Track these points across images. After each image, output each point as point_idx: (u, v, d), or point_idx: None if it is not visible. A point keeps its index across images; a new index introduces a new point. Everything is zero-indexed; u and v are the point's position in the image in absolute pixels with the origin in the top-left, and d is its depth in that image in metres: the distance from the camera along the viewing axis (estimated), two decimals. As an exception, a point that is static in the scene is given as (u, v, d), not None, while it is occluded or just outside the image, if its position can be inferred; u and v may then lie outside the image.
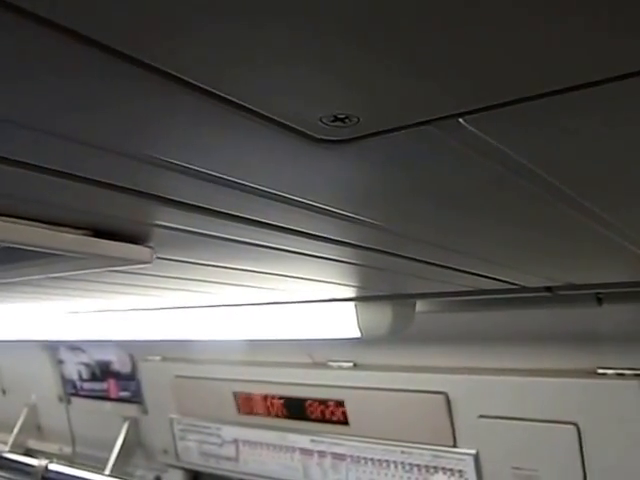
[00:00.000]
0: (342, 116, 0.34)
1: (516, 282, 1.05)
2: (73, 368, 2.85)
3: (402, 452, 1.87)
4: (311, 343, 1.94)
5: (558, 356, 1.56)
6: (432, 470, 1.82)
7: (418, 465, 1.85)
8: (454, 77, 0.31)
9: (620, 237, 0.70)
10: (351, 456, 1.99)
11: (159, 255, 0.74)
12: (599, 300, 1.15)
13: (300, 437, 2.09)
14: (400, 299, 1.27)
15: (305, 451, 2.11)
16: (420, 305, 1.37)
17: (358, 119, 0.34)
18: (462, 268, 0.93)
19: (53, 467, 2.54)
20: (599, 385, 1.48)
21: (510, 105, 0.33)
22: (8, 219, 0.55)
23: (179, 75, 0.30)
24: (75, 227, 0.61)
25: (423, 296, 1.24)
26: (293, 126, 0.36)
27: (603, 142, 0.40)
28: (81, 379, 2.84)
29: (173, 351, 2.37)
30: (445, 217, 0.62)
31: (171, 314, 1.67)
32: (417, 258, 0.85)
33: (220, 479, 2.41)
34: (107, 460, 2.57)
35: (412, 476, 1.86)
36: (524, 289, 1.08)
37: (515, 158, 0.42)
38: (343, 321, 1.33)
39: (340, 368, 1.96)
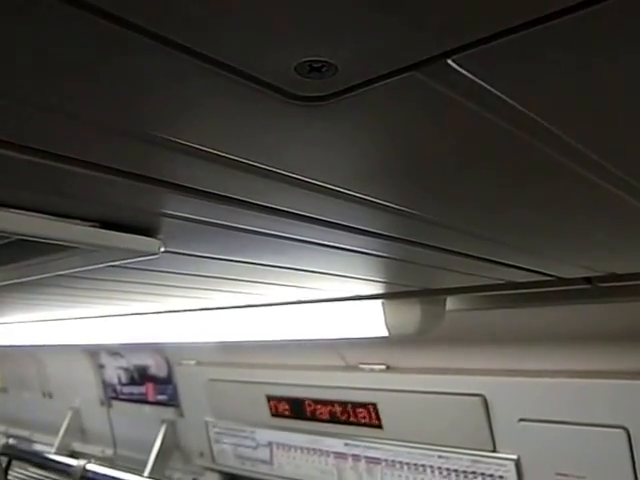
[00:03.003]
0: (318, 65, 0.31)
1: (551, 273, 0.98)
2: (113, 372, 2.93)
3: (439, 457, 1.81)
4: (343, 346, 1.91)
5: (604, 356, 1.47)
6: (471, 475, 1.75)
7: (456, 470, 1.78)
8: (438, 10, 0.27)
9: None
10: (386, 460, 1.94)
11: (171, 249, 0.74)
12: (649, 293, 1.06)
13: (334, 440, 2.06)
14: (429, 295, 1.23)
15: (339, 455, 2.07)
16: (451, 303, 1.32)
17: (336, 68, 0.31)
18: (493, 258, 0.88)
19: (91, 467, 2.61)
20: (650, 386, 1.39)
21: (502, 37, 0.29)
22: (15, 211, 0.55)
23: (148, 28, 0.28)
24: (84, 219, 0.62)
25: (453, 291, 1.19)
26: (270, 81, 0.33)
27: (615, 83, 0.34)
28: (120, 383, 2.91)
29: (207, 355, 2.40)
30: (460, 190, 0.55)
31: (203, 317, 1.68)
32: (445, 248, 0.80)
33: (256, 483, 2.41)
34: (146, 462, 2.61)
35: (450, 482, 1.80)
36: (561, 281, 1.02)
37: (515, 105, 0.37)
38: (370, 320, 1.30)
39: (372, 371, 1.92)
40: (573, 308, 1.31)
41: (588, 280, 1.02)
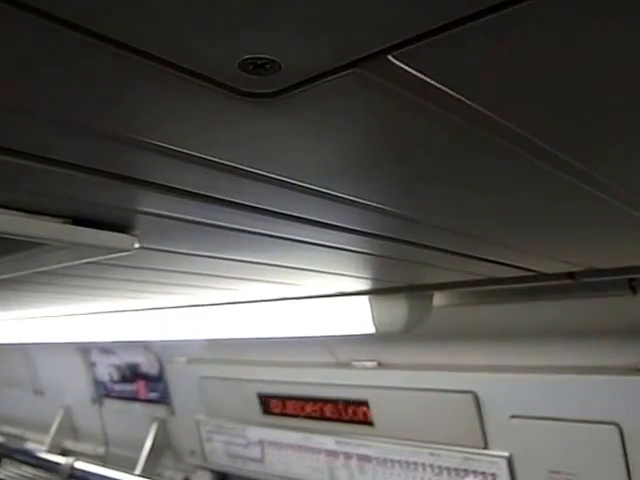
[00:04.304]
0: (261, 62, 0.32)
1: (534, 268, 0.97)
2: (104, 370, 2.91)
3: (430, 454, 1.79)
4: (334, 343, 1.90)
5: (595, 352, 1.45)
6: (462, 473, 1.74)
7: (448, 468, 1.77)
8: (376, 4, 0.27)
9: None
10: (377, 458, 1.93)
11: (146, 245, 0.72)
12: (632, 288, 1.05)
13: (325, 438, 2.05)
14: (416, 291, 1.21)
15: (331, 452, 2.06)
16: (438, 298, 1.30)
17: (279, 65, 0.32)
18: (476, 255, 0.87)
19: (79, 465, 2.59)
20: (642, 382, 1.37)
21: (440, 32, 0.30)
22: None
23: (98, 31, 0.29)
24: (55, 215, 0.60)
25: (439, 287, 1.17)
26: (215, 78, 0.34)
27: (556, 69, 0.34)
28: (112, 381, 2.89)
29: (199, 352, 2.38)
30: (427, 188, 0.56)
31: (193, 314, 1.66)
32: (428, 245, 0.80)
33: (247, 481, 2.40)
34: (138, 460, 2.60)
35: (442, 479, 1.78)
36: (544, 276, 1.00)
37: (460, 98, 0.37)
38: (358, 317, 1.27)
39: (364, 368, 1.90)
40: (562, 304, 1.29)
41: (571, 275, 1.00)
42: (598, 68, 0.34)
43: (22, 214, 0.57)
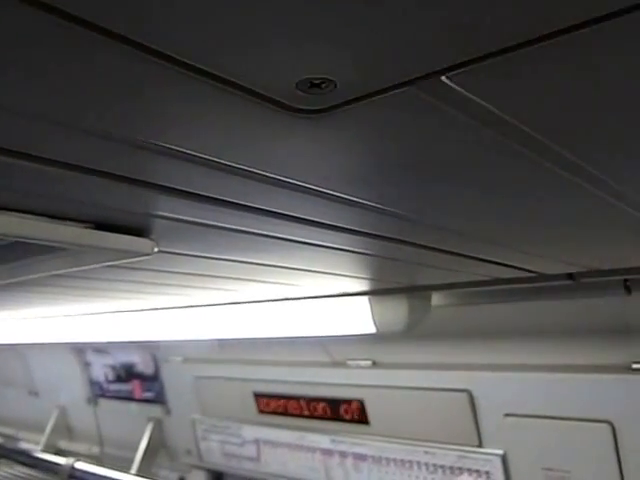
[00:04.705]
0: (318, 81, 0.33)
1: (534, 269, 0.99)
2: (99, 370, 2.90)
3: (425, 452, 1.81)
4: (330, 342, 1.91)
5: (589, 350, 1.48)
6: (457, 471, 1.76)
7: (442, 466, 1.78)
8: (434, 30, 0.29)
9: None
10: (372, 456, 1.94)
11: (162, 248, 0.74)
12: (627, 288, 1.07)
13: (320, 437, 2.06)
14: (415, 291, 1.22)
15: (326, 451, 2.07)
16: (437, 298, 1.32)
17: (335, 84, 0.33)
18: (476, 255, 0.89)
19: (79, 466, 2.58)
20: (635, 381, 1.40)
21: (493, 57, 0.31)
22: (10, 213, 0.55)
23: (153, 47, 0.29)
24: (77, 220, 0.61)
25: (439, 287, 1.19)
26: (270, 96, 0.35)
27: (600, 93, 0.37)
28: (107, 381, 2.88)
29: (194, 352, 2.38)
30: (445, 193, 0.58)
31: (189, 314, 1.66)
32: (430, 246, 0.81)
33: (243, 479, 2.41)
34: (133, 460, 2.59)
35: (436, 477, 1.80)
36: (543, 277, 1.02)
37: (503, 117, 0.39)
38: (358, 317, 1.29)
39: (359, 367, 1.91)
40: (558, 303, 1.32)
41: (571, 276, 1.02)
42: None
43: (44, 219, 0.58)
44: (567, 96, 0.36)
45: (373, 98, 0.35)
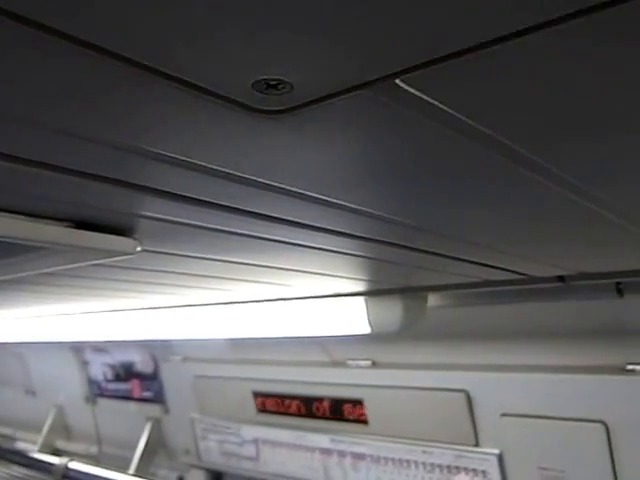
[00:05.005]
0: (274, 82, 0.33)
1: (525, 272, 1.00)
2: (98, 369, 2.90)
3: (423, 452, 1.82)
4: (329, 342, 1.92)
5: (584, 352, 1.49)
6: (454, 470, 1.77)
7: (440, 465, 1.79)
8: (385, 34, 0.29)
9: (624, 220, 0.65)
10: (371, 456, 1.95)
11: (147, 248, 0.74)
12: (619, 291, 1.08)
13: (319, 437, 2.07)
14: (411, 292, 1.23)
15: (325, 451, 2.08)
16: (433, 299, 1.33)
17: (291, 86, 0.34)
18: (469, 258, 0.90)
19: (73, 465, 2.58)
20: (628, 382, 1.41)
21: (445, 60, 0.32)
22: None
23: (111, 49, 0.30)
24: (57, 219, 0.61)
25: (434, 289, 1.19)
26: (229, 96, 0.35)
27: (555, 94, 0.37)
28: (106, 380, 2.89)
29: (194, 351, 2.38)
30: (421, 194, 0.58)
31: (189, 314, 1.67)
32: (422, 249, 0.82)
33: (242, 479, 2.41)
34: (131, 460, 2.60)
35: (434, 476, 1.81)
36: (535, 279, 1.03)
37: (463, 119, 0.39)
38: (353, 317, 1.30)
39: (358, 367, 1.92)
40: (553, 305, 1.32)
41: (561, 278, 1.03)
42: (598, 90, 0.36)
43: (25, 218, 0.58)
44: (522, 97, 0.37)
45: (330, 100, 0.36)
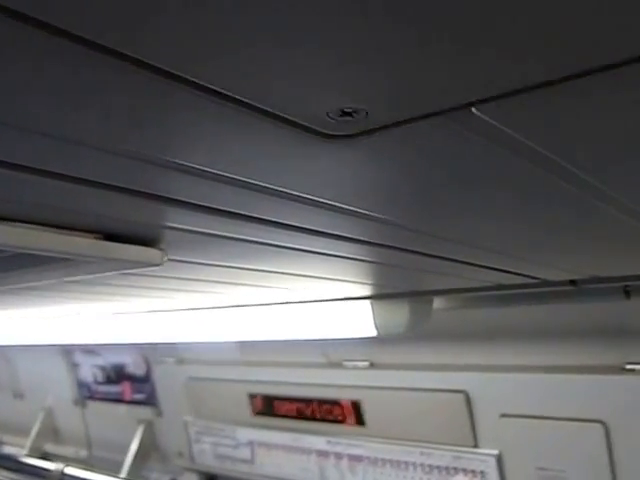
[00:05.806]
0: (349, 110, 0.33)
1: (538, 276, 1.01)
2: (88, 371, 2.86)
3: (421, 453, 1.82)
4: (326, 343, 1.91)
5: (584, 352, 1.50)
6: (453, 471, 1.77)
7: (438, 466, 1.80)
8: (464, 64, 0.30)
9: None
10: (368, 457, 1.95)
11: (171, 257, 0.73)
12: (627, 293, 1.10)
13: (316, 439, 2.06)
14: (417, 296, 1.23)
15: (321, 453, 2.07)
16: (439, 302, 1.33)
17: (366, 113, 0.34)
18: (481, 263, 0.90)
19: (69, 471, 2.54)
20: (627, 381, 1.43)
21: (521, 93, 0.32)
22: (21, 225, 0.55)
23: (181, 74, 0.29)
24: (87, 231, 0.61)
25: (441, 293, 1.20)
26: (300, 122, 0.35)
27: (622, 126, 0.38)
28: (96, 382, 2.84)
29: (188, 353, 2.36)
30: (464, 213, 0.60)
31: (185, 316, 1.65)
32: (434, 254, 0.82)
33: (236, 482, 2.39)
34: (123, 463, 2.56)
35: (432, 478, 1.82)
36: (546, 283, 1.04)
37: (530, 145, 0.41)
38: (359, 320, 1.29)
39: (356, 368, 1.92)
40: (554, 306, 1.34)
41: (573, 282, 1.04)
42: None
43: (54, 230, 0.58)
44: (595, 128, 0.38)
45: (402, 126, 0.36)
